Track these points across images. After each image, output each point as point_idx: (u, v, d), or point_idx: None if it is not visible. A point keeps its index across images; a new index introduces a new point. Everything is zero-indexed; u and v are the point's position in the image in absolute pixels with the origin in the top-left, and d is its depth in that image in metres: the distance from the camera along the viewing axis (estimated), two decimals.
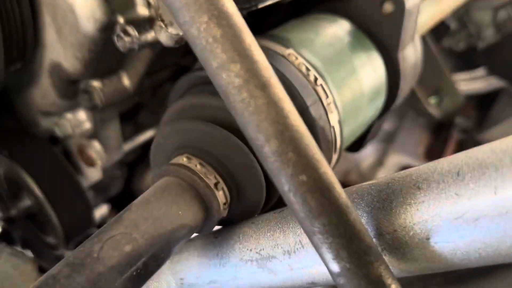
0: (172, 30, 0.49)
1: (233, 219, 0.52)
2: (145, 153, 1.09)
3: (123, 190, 1.12)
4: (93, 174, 0.80)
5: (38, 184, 0.71)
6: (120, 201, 1.18)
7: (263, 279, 0.45)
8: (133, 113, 0.89)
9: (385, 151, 1.37)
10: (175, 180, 0.47)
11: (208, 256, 0.51)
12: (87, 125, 0.72)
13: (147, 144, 0.97)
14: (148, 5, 0.55)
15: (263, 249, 0.44)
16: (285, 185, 0.30)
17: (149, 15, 0.56)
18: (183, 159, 0.49)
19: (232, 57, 0.29)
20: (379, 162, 1.36)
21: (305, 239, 0.40)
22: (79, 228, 0.77)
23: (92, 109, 0.65)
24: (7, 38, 0.59)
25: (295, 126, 0.30)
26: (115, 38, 0.55)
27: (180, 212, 0.45)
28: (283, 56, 0.55)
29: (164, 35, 0.50)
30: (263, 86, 0.29)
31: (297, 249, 0.41)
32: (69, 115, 0.72)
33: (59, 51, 0.59)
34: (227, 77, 0.29)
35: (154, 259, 0.42)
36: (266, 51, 0.55)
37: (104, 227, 0.42)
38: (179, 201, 0.45)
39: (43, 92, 0.68)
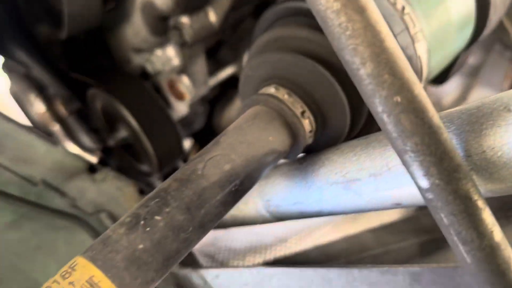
0: None
1: (317, 147, 0.54)
2: (224, 90, 1.14)
3: (203, 126, 1.18)
4: (181, 108, 0.86)
5: (134, 116, 0.78)
6: (201, 136, 1.25)
7: (347, 200, 0.48)
8: (214, 50, 0.93)
9: (469, 86, 1.31)
10: (265, 109, 0.50)
11: (294, 180, 0.54)
12: (176, 61, 0.77)
13: (226, 81, 1.01)
14: None
15: (348, 172, 0.47)
16: (379, 106, 0.32)
17: None
18: (271, 90, 0.52)
19: None
20: (462, 97, 1.31)
21: (392, 162, 0.42)
22: (171, 157, 0.84)
23: (182, 45, 0.68)
24: None
25: (391, 48, 0.31)
26: None
27: (270, 138, 0.48)
28: None
29: None
30: (361, 10, 0.31)
31: (383, 171, 0.43)
32: (159, 52, 0.77)
33: None
34: (326, 2, 0.31)
35: (249, 178, 0.47)
36: None
37: (204, 150, 0.47)
38: (269, 128, 0.49)
39: (135, 29, 0.73)
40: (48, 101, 1.18)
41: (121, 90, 0.79)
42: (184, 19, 0.67)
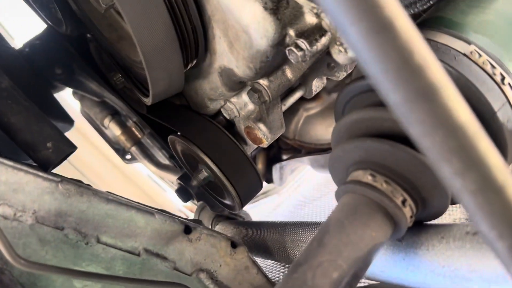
0: (351, 54, 0.49)
1: (416, 223, 0.54)
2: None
3: None
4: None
5: (211, 159, 0.79)
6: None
7: None
8: None
9: None
10: (364, 200, 0.50)
11: (394, 258, 0.55)
12: (251, 107, 0.77)
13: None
14: (316, 15, 0.55)
15: (458, 269, 0.47)
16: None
17: (316, 23, 0.55)
18: (367, 177, 0.51)
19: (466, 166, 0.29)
20: None
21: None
22: (252, 193, 0.86)
23: (261, 104, 0.68)
24: (183, 48, 0.64)
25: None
26: (287, 52, 0.56)
27: (373, 234, 0.49)
28: (465, 55, 0.51)
29: (343, 58, 0.50)
30: (499, 190, 0.30)
31: (499, 280, 0.43)
32: (234, 99, 0.77)
33: (231, 60, 0.62)
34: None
35: (355, 277, 0.48)
36: (447, 50, 0.52)
37: (310, 251, 0.48)
38: (370, 224, 0.49)
39: (212, 86, 0.73)
40: (122, 124, 1.23)
41: (198, 136, 0.81)
42: (263, 82, 0.66)
